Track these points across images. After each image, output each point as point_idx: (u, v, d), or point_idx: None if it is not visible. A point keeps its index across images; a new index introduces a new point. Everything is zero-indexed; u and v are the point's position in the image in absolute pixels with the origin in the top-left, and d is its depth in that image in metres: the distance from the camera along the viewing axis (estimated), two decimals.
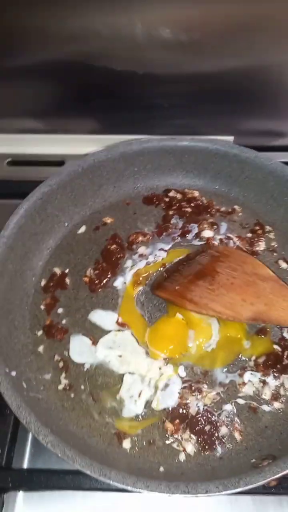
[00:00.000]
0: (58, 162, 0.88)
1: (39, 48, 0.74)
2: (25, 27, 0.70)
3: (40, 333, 0.66)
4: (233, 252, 0.68)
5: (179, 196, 0.81)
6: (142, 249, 0.73)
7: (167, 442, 0.57)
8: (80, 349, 0.64)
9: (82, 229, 0.77)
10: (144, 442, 0.57)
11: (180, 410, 0.59)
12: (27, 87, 0.81)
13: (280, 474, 0.48)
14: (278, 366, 0.63)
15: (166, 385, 0.61)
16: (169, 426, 0.58)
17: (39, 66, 0.76)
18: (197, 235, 0.76)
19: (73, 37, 0.72)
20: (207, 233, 0.76)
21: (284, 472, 0.48)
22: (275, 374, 0.62)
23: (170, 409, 0.59)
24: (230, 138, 0.88)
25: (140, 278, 0.70)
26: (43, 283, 0.71)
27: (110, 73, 0.77)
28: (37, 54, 0.75)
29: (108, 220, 0.78)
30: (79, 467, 0.48)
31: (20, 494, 0.59)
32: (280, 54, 0.75)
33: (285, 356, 0.63)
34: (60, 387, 0.61)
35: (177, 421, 0.58)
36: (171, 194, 0.82)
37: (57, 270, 0.72)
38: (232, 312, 0.59)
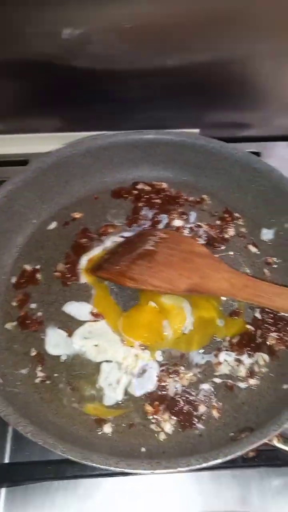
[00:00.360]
0: (22, 161, 0.88)
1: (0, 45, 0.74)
2: None
3: (14, 328, 0.66)
4: (171, 233, 0.72)
5: (147, 188, 0.83)
6: (112, 240, 0.74)
7: (148, 423, 0.58)
8: (55, 342, 0.64)
9: (51, 225, 0.77)
10: (124, 425, 0.58)
11: (159, 393, 0.60)
12: None
13: (257, 444, 0.49)
14: (251, 345, 0.64)
15: (144, 370, 0.62)
16: (148, 408, 0.59)
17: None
18: (167, 225, 0.78)
19: (33, 36, 0.72)
20: (177, 223, 0.78)
21: (261, 442, 0.49)
22: (249, 352, 0.64)
23: (149, 392, 0.60)
24: (196, 131, 0.90)
25: None
26: (13, 280, 0.71)
27: (71, 71, 0.78)
28: None
29: (77, 215, 0.78)
30: (61, 453, 0.48)
31: (3, 491, 0.58)
32: (244, 47, 0.77)
33: (257, 335, 0.65)
34: (38, 380, 0.61)
35: (156, 403, 0.59)
36: (140, 186, 0.83)
37: (28, 267, 0.72)
38: (170, 285, 0.63)
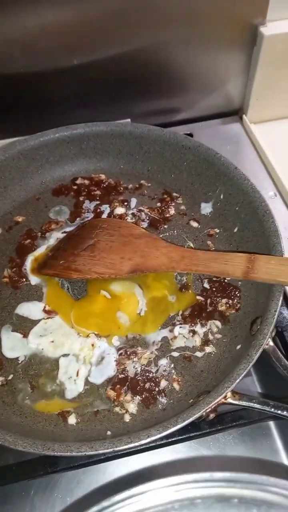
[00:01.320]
0: None
1: None
2: None
3: None
4: (108, 221, 0.73)
5: (86, 182, 0.83)
6: (55, 236, 0.74)
7: (112, 408, 0.59)
8: (11, 344, 0.64)
9: None
10: (89, 414, 0.58)
11: (120, 376, 0.61)
12: None
13: (213, 403, 0.50)
14: (203, 314, 0.66)
15: (102, 358, 0.63)
16: (110, 393, 0.59)
17: None
18: (110, 214, 0.79)
19: None
20: (119, 210, 0.79)
21: (217, 400, 0.51)
22: (201, 322, 0.66)
23: (109, 377, 0.61)
24: (128, 121, 0.91)
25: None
26: None
27: None
28: None
29: (20, 218, 0.78)
30: (21, 448, 0.48)
31: None
32: (159, 37, 0.80)
33: (207, 304, 0.67)
34: None
35: (118, 386, 0.60)
36: (79, 181, 0.83)
37: None
38: (113, 270, 0.64)
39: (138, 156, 0.83)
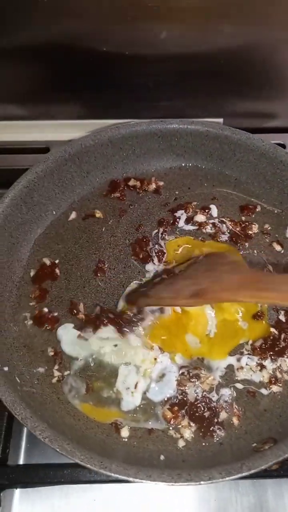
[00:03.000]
0: (43, 149, 0.85)
1: (20, 28, 0.71)
2: (2, 4, 0.66)
3: (30, 324, 0.64)
4: (210, 255, 0.67)
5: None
6: None
7: (166, 429, 0.56)
8: (72, 341, 0.62)
9: (71, 217, 0.75)
10: (142, 431, 0.56)
11: (179, 397, 0.58)
12: (7, 71, 0.77)
13: (282, 458, 0.47)
14: (275, 349, 0.62)
15: (163, 374, 0.60)
16: (167, 413, 0.57)
17: (20, 48, 0.72)
18: (189, 220, 0.75)
19: (57, 16, 0.69)
20: (200, 218, 0.75)
21: (286, 455, 0.47)
22: (272, 357, 0.61)
23: (168, 397, 0.58)
24: (220, 120, 0.86)
25: None
26: (32, 273, 0.69)
27: (95, 55, 0.74)
28: (18, 35, 0.71)
29: (98, 213, 0.75)
30: (79, 461, 0.46)
31: (17, 491, 0.57)
32: (271, 33, 0.73)
33: (281, 339, 0.63)
34: (54, 380, 0.60)
35: (176, 408, 0.57)
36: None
37: (47, 261, 0.70)
38: (174, 294, 0.58)
39: (229, 163, 0.78)
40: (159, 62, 0.77)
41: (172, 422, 0.56)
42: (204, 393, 0.59)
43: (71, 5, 0.68)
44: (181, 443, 0.55)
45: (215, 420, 0.57)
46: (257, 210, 0.76)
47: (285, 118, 0.89)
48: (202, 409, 0.58)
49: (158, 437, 0.56)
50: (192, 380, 0.59)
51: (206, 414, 0.57)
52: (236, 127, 0.78)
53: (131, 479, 0.46)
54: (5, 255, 0.66)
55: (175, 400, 0.58)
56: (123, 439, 0.55)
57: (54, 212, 0.74)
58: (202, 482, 0.45)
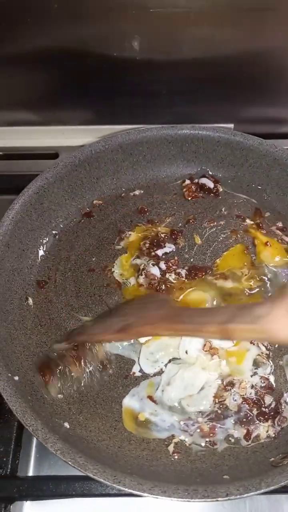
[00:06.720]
0: (52, 154, 0.85)
1: (30, 34, 0.70)
2: (13, 9, 0.66)
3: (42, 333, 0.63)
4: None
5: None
6: None
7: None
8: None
9: (81, 223, 0.74)
10: (156, 443, 0.55)
11: None
12: (17, 76, 0.77)
13: None
14: None
15: None
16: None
17: (31, 53, 0.72)
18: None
19: (68, 21, 0.68)
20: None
21: None
22: None
23: None
24: (230, 126, 0.85)
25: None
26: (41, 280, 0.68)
27: (106, 60, 0.74)
28: (28, 40, 0.71)
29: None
30: (92, 475, 0.45)
31: (27, 504, 0.56)
32: (282, 38, 0.73)
33: None
34: None
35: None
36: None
37: (58, 267, 0.69)
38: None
39: (241, 169, 0.77)
40: (169, 68, 0.76)
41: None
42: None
43: (82, 10, 0.67)
44: (194, 458, 0.54)
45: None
46: (267, 215, 0.75)
47: None
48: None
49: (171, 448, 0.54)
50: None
51: None
52: (248, 132, 0.77)
53: (145, 494, 0.44)
54: (15, 262, 0.65)
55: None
56: (136, 452, 0.54)
57: (63, 218, 0.73)
58: (219, 499, 0.44)
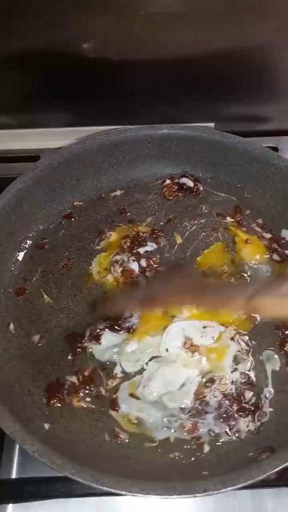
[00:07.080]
0: (33, 157, 0.84)
1: (9, 35, 0.70)
2: None
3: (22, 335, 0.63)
4: None
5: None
6: None
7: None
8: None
9: (62, 225, 0.74)
10: (138, 441, 0.55)
11: None
12: None
13: (280, 467, 0.46)
14: None
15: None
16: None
17: (6, 56, 0.72)
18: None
19: (43, 23, 0.68)
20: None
21: (284, 465, 0.46)
22: None
23: None
24: (211, 125, 0.85)
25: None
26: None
27: (83, 61, 0.74)
28: (7, 43, 0.70)
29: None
30: (70, 475, 0.45)
31: (10, 507, 0.55)
32: (262, 37, 0.73)
33: None
34: None
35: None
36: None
37: (38, 269, 0.69)
38: None
39: (221, 167, 0.78)
40: (148, 68, 0.76)
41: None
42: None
43: (56, 13, 0.67)
44: (176, 454, 0.54)
45: None
46: (247, 212, 0.75)
47: (277, 121, 0.89)
48: None
49: (151, 447, 0.54)
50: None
51: None
52: (228, 131, 0.77)
53: (123, 492, 0.44)
54: None
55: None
56: (118, 450, 0.54)
57: (44, 221, 0.73)
58: (197, 495, 0.44)
